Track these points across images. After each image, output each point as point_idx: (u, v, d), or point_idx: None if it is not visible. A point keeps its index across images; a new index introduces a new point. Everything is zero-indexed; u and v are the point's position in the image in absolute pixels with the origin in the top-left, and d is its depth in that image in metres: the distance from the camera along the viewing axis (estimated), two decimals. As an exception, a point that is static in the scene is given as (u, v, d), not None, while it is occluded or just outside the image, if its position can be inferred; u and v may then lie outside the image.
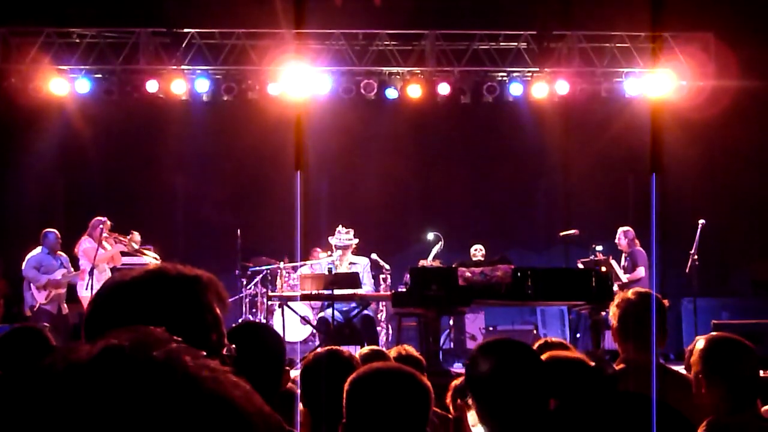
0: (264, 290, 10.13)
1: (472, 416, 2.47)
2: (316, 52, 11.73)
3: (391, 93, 11.88)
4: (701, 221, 9.35)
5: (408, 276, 8.03)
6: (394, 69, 11.88)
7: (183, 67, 11.63)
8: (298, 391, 2.92)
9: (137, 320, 1.26)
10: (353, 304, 8.59)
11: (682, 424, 1.90)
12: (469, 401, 2.42)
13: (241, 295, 10.28)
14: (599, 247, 9.65)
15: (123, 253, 9.63)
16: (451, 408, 3.76)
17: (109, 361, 0.74)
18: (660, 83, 11.69)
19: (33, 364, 0.75)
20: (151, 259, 9.51)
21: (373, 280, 9.04)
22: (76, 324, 9.43)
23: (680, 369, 3.52)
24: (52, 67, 11.45)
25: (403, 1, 11.84)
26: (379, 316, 9.73)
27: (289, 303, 8.86)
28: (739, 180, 11.87)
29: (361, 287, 8.41)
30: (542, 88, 11.90)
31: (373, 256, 9.27)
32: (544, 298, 8.15)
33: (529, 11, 11.75)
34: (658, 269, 11.12)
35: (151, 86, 11.50)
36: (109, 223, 9.43)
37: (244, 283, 10.44)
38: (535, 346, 3.53)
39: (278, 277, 9.39)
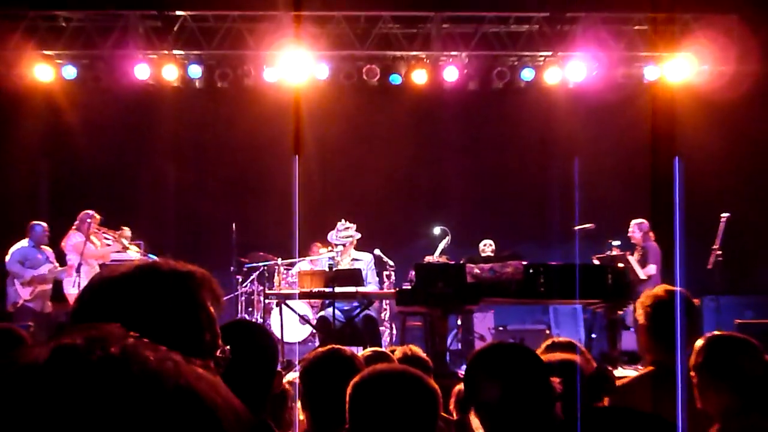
0: (261, 288, 10.13)
1: (475, 420, 2.46)
2: (315, 36, 11.69)
3: (395, 79, 11.86)
4: (725, 215, 9.31)
5: (413, 273, 8.03)
6: (398, 53, 11.85)
7: (175, 51, 11.61)
8: (295, 393, 2.92)
9: (126, 318, 1.25)
10: (355, 303, 8.58)
11: None
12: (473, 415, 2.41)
13: (236, 293, 10.29)
14: (616, 242, 9.64)
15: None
16: (454, 413, 3.76)
17: (61, 361, 0.74)
18: (681, 68, 11.65)
19: None
20: (140, 256, 9.52)
21: (376, 278, 9.04)
22: (62, 323, 9.44)
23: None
24: (37, 52, 11.44)
25: (408, -18, 11.82)
26: (382, 315, 9.73)
27: (288, 301, 8.85)
28: (765, 170, 11.83)
29: (363, 285, 8.41)
30: (555, 73, 11.87)
31: (376, 251, 9.25)
32: (557, 296, 8.15)
33: (541, -9, 11.73)
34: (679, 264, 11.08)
35: (141, 72, 11.49)
36: (98, 216, 9.44)
37: (240, 280, 10.45)
38: (542, 347, 3.52)
39: (276, 274, 9.38)
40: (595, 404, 2.80)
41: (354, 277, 8.37)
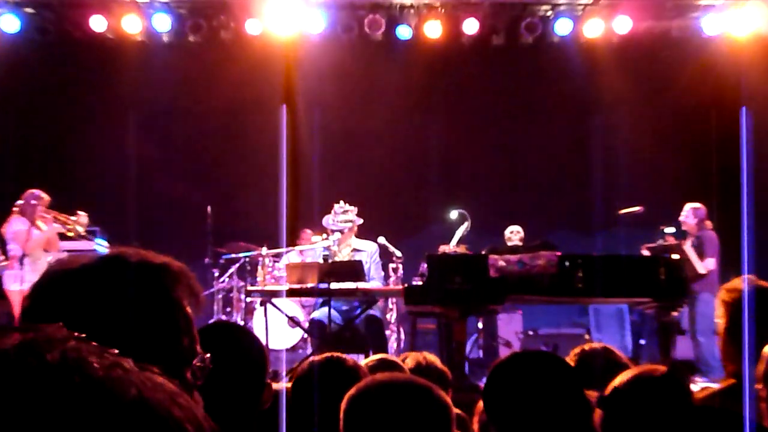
0: (241, 284, 10.14)
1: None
2: (307, -20, 11.68)
3: (404, 32, 11.83)
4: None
5: (425, 265, 8.03)
6: (407, 1, 11.81)
7: (137, -2, 11.61)
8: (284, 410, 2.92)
9: (86, 319, 1.25)
10: (355, 302, 8.60)
11: None
12: None
13: (212, 289, 10.31)
14: (670, 229, 9.62)
15: (62, 237, 9.64)
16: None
17: None
18: (746, 19, 11.60)
19: None
20: (99, 246, 9.53)
21: (381, 271, 9.04)
22: (1, 326, 9.44)
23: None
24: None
25: None
26: (388, 316, 9.74)
27: (274, 300, 8.87)
28: None
29: (365, 280, 8.41)
30: (597, 25, 11.83)
31: (381, 240, 9.25)
32: (599, 294, 8.17)
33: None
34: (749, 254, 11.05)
35: (97, 23, 11.47)
36: (45, 197, 9.44)
37: (216, 274, 10.45)
38: (572, 354, 3.52)
39: (260, 267, 9.39)
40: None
41: (354, 270, 8.38)
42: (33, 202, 9.34)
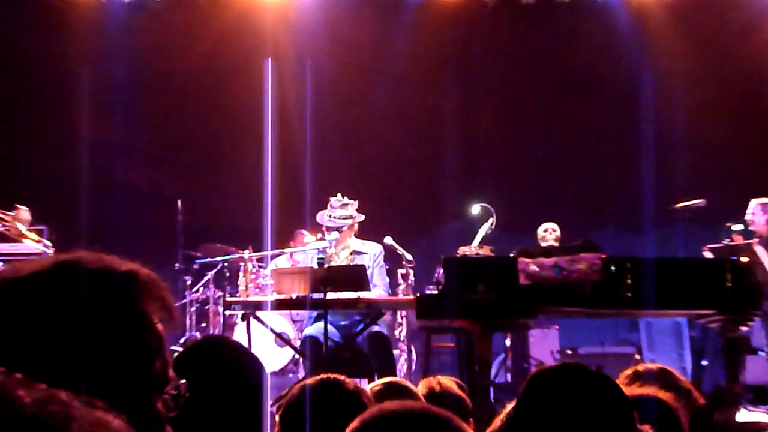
0: (219, 294, 10.17)
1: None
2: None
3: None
4: None
5: (441, 271, 8.01)
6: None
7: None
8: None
9: (35, 340, 1.25)
10: (357, 316, 8.61)
11: None
12: None
13: (184, 300, 10.33)
14: (737, 226, 9.61)
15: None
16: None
17: None
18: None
19: None
20: (42, 248, 9.54)
21: (387, 278, 9.05)
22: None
23: None
24: None
25: None
26: (396, 333, 9.76)
27: (258, 313, 8.88)
28: None
29: (369, 288, 8.41)
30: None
31: (388, 240, 9.26)
32: (651, 305, 8.11)
33: None
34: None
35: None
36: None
37: (189, 282, 10.48)
38: (622, 377, 3.53)
39: (241, 274, 9.40)
40: None
41: (355, 277, 8.37)
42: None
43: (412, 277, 9.42)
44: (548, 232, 10.65)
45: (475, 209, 9.16)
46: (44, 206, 10.36)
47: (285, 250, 9.84)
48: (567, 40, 12.60)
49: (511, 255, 8.07)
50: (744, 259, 8.58)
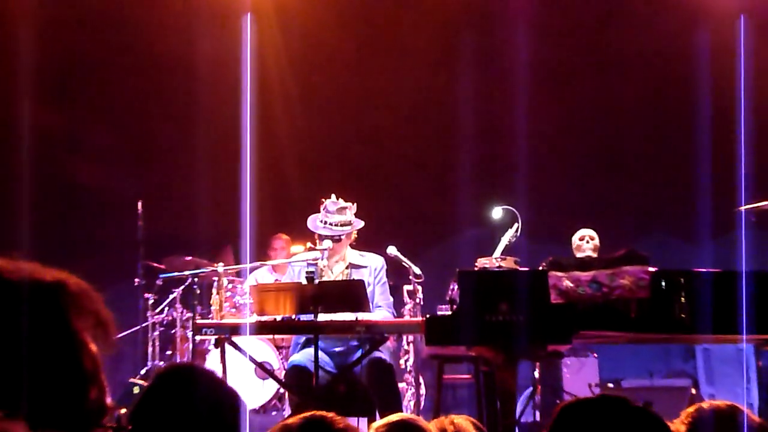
0: (188, 315, 10.22)
1: None
2: None
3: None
4: None
5: (456, 287, 8.06)
6: None
7: None
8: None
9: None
10: (354, 341, 8.68)
11: None
12: None
13: (144, 323, 10.39)
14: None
15: None
16: None
17: None
18: None
19: None
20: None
21: (390, 297, 9.12)
22: None
23: None
24: None
25: None
26: (402, 362, 9.83)
27: (235, 339, 8.95)
28: None
29: (368, 309, 8.47)
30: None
31: (391, 251, 9.33)
32: (710, 329, 8.11)
33: None
34: None
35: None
36: None
37: (152, 302, 10.53)
38: (683, 416, 3.63)
39: (214, 291, 9.50)
40: None
41: (352, 294, 8.42)
42: None
43: (420, 295, 9.44)
44: (585, 241, 10.71)
45: (497, 213, 9.22)
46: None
47: (266, 263, 9.91)
48: (602, 17, 12.65)
49: (541, 268, 8.05)
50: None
